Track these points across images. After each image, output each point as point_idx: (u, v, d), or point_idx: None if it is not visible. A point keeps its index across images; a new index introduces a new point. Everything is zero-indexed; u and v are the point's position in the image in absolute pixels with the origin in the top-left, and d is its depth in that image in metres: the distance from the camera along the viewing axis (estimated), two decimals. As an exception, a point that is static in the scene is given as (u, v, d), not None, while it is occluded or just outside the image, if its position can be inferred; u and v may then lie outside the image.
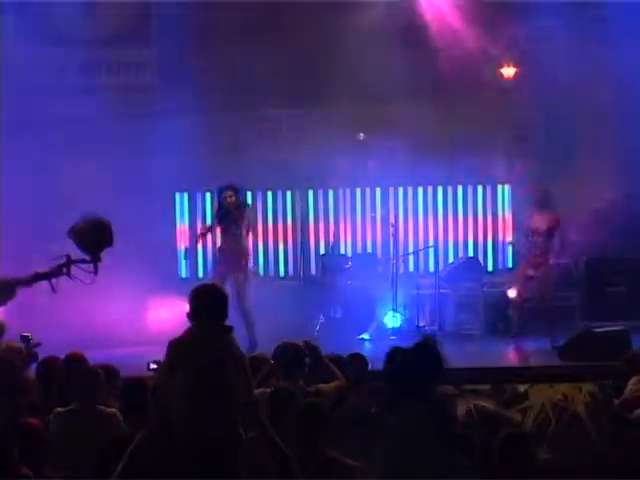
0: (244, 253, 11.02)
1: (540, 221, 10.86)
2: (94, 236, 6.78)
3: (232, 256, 10.89)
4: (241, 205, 11.07)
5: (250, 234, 11.36)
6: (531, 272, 10.93)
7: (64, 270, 6.60)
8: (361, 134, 13.30)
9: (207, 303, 5.52)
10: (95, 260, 6.66)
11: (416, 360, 4.68)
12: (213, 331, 5.46)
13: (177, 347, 5.47)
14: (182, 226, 13.55)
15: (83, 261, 6.72)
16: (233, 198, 10.93)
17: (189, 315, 5.55)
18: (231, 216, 10.93)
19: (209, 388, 5.31)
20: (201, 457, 5.17)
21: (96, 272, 6.65)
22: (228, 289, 10.18)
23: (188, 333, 5.53)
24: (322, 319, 11.69)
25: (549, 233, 10.90)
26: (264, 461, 5.30)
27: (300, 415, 5.41)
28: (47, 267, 6.73)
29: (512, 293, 11.93)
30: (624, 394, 6.96)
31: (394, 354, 4.96)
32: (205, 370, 5.34)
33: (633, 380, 7.10)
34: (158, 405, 5.39)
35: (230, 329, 5.54)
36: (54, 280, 6.58)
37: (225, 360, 5.39)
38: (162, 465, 5.18)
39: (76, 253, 6.85)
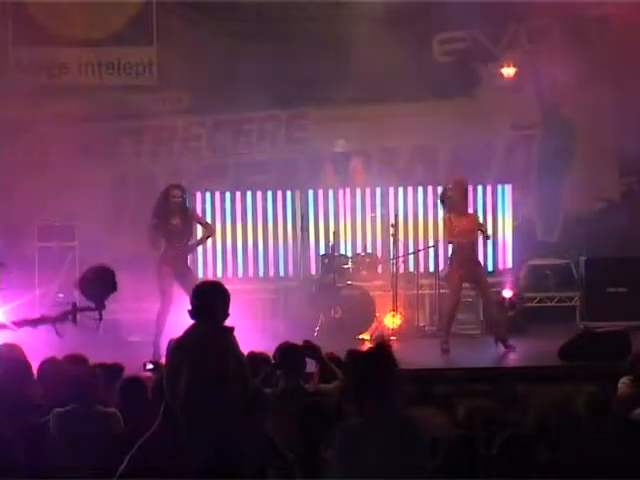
0: (189, 254, 10.85)
1: (465, 222, 10.74)
2: (99, 285, 7.10)
3: (180, 259, 10.59)
4: (185, 207, 10.67)
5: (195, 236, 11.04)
6: (462, 272, 10.77)
7: (69, 317, 6.84)
8: (341, 142, 13.27)
9: (209, 302, 5.52)
10: (100, 308, 6.94)
11: (370, 366, 4.76)
12: (215, 331, 5.46)
13: (179, 347, 5.47)
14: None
15: (88, 308, 6.99)
16: (179, 199, 10.55)
17: (191, 313, 5.55)
18: (184, 221, 10.51)
19: (209, 389, 5.31)
20: (204, 456, 5.17)
21: (101, 319, 6.93)
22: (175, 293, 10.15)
23: (190, 332, 5.52)
24: (322, 319, 11.68)
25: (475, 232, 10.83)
26: (263, 461, 5.30)
27: (301, 415, 5.42)
28: (54, 311, 6.97)
29: (507, 293, 11.94)
30: (617, 393, 6.96)
31: (349, 360, 5.07)
32: (206, 370, 5.34)
33: (624, 379, 7.11)
34: (165, 405, 5.38)
35: (231, 329, 5.53)
36: (58, 325, 6.79)
37: (227, 360, 5.39)
38: (166, 465, 5.18)
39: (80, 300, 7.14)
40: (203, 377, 5.32)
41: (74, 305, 7.11)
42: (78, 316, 6.83)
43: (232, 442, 5.21)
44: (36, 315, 6.88)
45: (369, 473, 4.52)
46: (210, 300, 5.52)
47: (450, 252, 10.97)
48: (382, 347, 4.91)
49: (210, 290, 5.62)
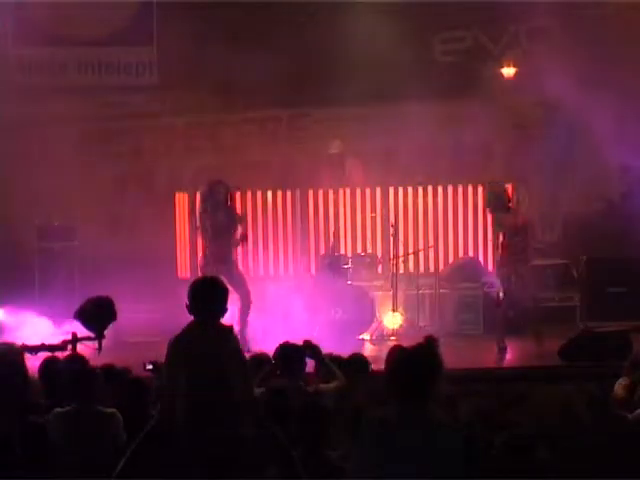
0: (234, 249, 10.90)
1: (513, 219, 10.76)
2: (98, 316, 7.38)
3: (228, 258, 10.67)
4: (228, 203, 10.74)
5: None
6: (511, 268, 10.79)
7: (69, 346, 7.00)
8: (336, 143, 13.22)
9: (207, 298, 5.52)
10: (99, 337, 7.15)
11: (414, 361, 4.64)
12: (213, 329, 5.46)
13: (177, 345, 5.47)
14: (181, 226, 13.54)
15: (88, 338, 7.15)
16: (223, 195, 10.57)
17: (188, 309, 5.54)
18: (228, 215, 10.68)
19: (209, 387, 5.31)
20: (203, 456, 5.17)
21: (100, 349, 7.13)
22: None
23: (188, 331, 5.52)
24: (322, 319, 11.67)
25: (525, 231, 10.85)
26: (266, 460, 5.29)
27: (300, 415, 5.41)
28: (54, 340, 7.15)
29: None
30: (614, 394, 6.93)
31: (394, 352, 4.93)
32: (205, 369, 5.34)
33: (621, 380, 7.09)
34: (163, 404, 5.38)
35: (230, 328, 5.54)
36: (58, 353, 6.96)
37: (225, 359, 5.38)
38: (163, 462, 5.17)
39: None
40: (203, 375, 5.32)
41: (74, 335, 7.33)
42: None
43: (232, 440, 5.21)
44: (37, 343, 7.03)
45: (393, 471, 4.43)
46: (208, 296, 5.52)
47: (499, 249, 10.96)
48: (431, 343, 4.77)
49: (208, 286, 5.62)
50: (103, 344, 7.34)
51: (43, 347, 6.88)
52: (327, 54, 12.57)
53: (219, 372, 5.35)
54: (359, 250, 13.09)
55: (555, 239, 13.25)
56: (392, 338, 11.67)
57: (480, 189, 13.29)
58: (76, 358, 7.17)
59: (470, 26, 13.28)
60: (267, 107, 13.16)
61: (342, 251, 12.92)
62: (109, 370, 6.75)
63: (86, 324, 7.69)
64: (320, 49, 12.62)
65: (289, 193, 13.41)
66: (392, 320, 11.86)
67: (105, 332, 7.57)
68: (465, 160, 13.12)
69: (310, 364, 6.84)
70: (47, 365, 7.01)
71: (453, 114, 12.98)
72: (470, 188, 13.51)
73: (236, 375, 5.39)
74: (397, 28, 12.34)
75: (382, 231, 13.22)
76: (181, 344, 5.47)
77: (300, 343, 6.76)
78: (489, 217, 12.98)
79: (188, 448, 5.20)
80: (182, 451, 5.22)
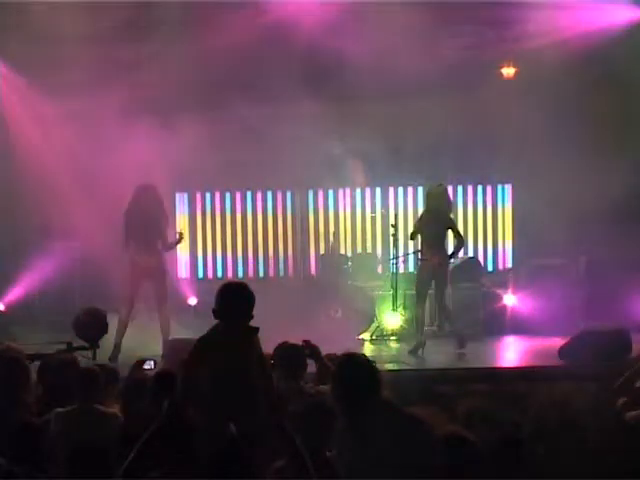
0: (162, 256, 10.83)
1: None
2: (93, 327, 7.55)
3: (153, 261, 10.56)
4: (159, 208, 10.63)
5: None
6: None
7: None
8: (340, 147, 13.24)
9: (235, 303, 5.54)
10: (93, 347, 7.30)
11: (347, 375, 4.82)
12: (240, 332, 5.48)
13: (203, 346, 5.50)
14: (181, 225, 13.54)
15: (82, 348, 7.26)
16: (152, 200, 10.51)
17: (215, 313, 5.58)
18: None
19: (233, 389, 5.34)
20: (221, 457, 5.15)
21: (94, 358, 7.21)
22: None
23: (215, 333, 5.55)
24: (323, 318, 11.67)
25: None
26: (283, 462, 5.28)
27: (301, 416, 5.41)
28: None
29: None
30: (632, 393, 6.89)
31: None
32: (230, 371, 5.37)
33: None
34: (173, 400, 5.38)
35: (256, 330, 5.55)
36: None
37: (250, 362, 5.42)
38: (172, 459, 5.16)
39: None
40: (226, 379, 5.34)
41: (69, 344, 7.41)
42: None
43: (251, 440, 5.20)
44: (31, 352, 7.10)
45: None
46: (235, 301, 5.55)
47: None
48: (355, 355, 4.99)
49: (235, 291, 5.63)
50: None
51: (38, 356, 6.98)
52: (327, 54, 12.56)
53: (245, 374, 5.38)
54: (359, 250, 13.08)
55: (556, 239, 13.23)
56: (392, 338, 11.68)
57: (479, 188, 13.30)
58: (75, 358, 7.19)
59: (476, 22, 13.23)
60: (267, 106, 13.14)
61: (342, 251, 12.91)
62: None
63: (80, 334, 7.85)
64: (319, 49, 12.60)
65: (289, 193, 13.40)
66: (392, 320, 11.86)
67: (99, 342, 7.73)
68: (465, 160, 13.11)
69: (311, 364, 6.83)
70: (46, 365, 7.02)
71: (457, 112, 12.93)
72: (470, 188, 13.51)
73: (261, 378, 5.44)
74: (402, 23, 12.28)
75: (382, 231, 13.22)
76: (209, 345, 5.51)
77: (300, 343, 6.75)
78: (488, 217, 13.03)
79: (201, 446, 5.20)
80: (193, 450, 5.21)
